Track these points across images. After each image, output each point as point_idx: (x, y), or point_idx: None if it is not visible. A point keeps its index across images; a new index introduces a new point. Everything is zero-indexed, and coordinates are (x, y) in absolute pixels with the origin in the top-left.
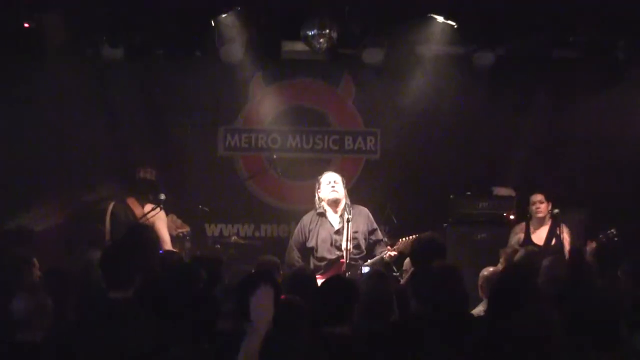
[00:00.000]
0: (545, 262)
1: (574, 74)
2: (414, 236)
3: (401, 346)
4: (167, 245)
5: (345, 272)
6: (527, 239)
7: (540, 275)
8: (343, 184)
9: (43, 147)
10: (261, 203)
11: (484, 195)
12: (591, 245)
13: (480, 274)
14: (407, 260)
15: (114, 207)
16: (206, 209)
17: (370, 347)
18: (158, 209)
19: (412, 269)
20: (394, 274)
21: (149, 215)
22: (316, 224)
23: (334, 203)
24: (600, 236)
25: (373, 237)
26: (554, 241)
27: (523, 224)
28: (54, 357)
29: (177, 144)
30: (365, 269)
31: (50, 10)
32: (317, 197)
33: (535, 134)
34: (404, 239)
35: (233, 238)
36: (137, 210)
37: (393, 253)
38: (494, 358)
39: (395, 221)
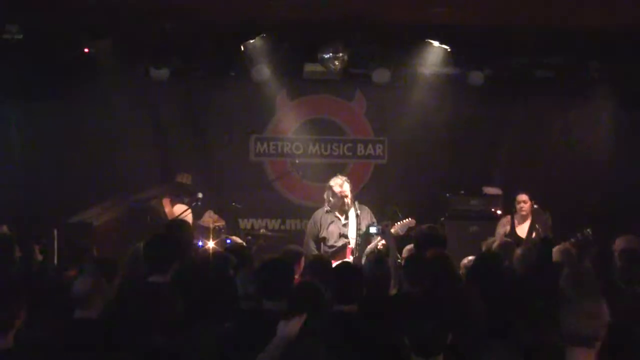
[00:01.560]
0: (519, 251)
1: (552, 91)
2: (404, 220)
3: (393, 320)
4: None
5: (351, 256)
6: (512, 231)
7: (514, 261)
8: (349, 186)
9: (100, 155)
10: (286, 201)
11: (475, 194)
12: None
13: (461, 263)
14: (406, 247)
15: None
16: (239, 205)
17: (370, 322)
18: (189, 210)
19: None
20: (398, 260)
21: (181, 216)
22: (326, 219)
23: (342, 201)
24: (578, 235)
25: (371, 229)
26: (534, 234)
27: (508, 217)
28: (106, 331)
29: (214, 150)
30: (373, 231)
31: (106, 37)
32: (326, 197)
33: (518, 141)
34: (398, 223)
35: (262, 231)
36: (167, 209)
37: (383, 242)
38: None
39: (400, 216)
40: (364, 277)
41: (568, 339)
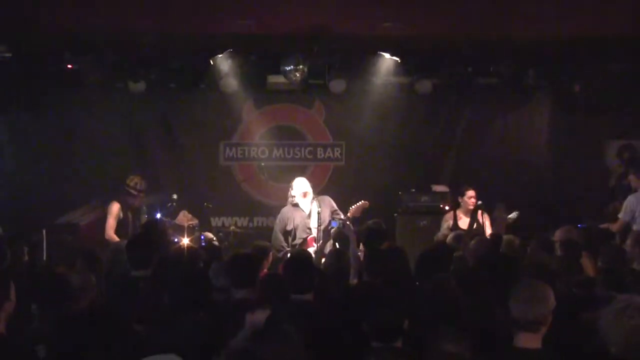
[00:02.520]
0: (472, 242)
1: (493, 97)
2: (358, 203)
3: (352, 309)
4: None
5: (315, 244)
6: (455, 225)
7: (465, 251)
8: (309, 186)
9: (84, 160)
10: (253, 200)
11: (424, 192)
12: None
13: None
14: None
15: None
16: (210, 205)
17: (327, 310)
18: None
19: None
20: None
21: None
22: (292, 213)
23: (304, 195)
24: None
25: (335, 215)
26: (475, 226)
27: (451, 213)
28: (96, 322)
29: (187, 155)
30: (334, 225)
31: (87, 54)
32: (290, 195)
33: (463, 143)
34: (353, 207)
35: (232, 228)
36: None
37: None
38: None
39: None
40: (316, 268)
41: (515, 324)
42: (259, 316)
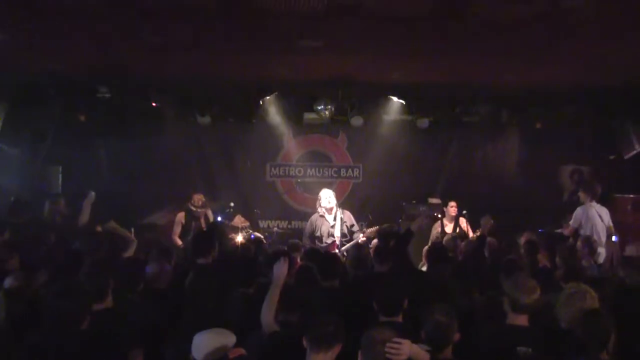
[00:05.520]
0: (464, 243)
1: (476, 132)
2: (375, 228)
3: (365, 291)
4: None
5: (337, 249)
6: (442, 231)
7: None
8: (334, 197)
9: (162, 177)
10: (291, 208)
11: (422, 202)
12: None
13: (424, 249)
14: (374, 242)
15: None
16: (259, 211)
17: (347, 292)
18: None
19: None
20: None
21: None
22: (319, 222)
23: (329, 211)
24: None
25: (353, 229)
26: (458, 230)
27: (439, 222)
28: (174, 297)
29: (242, 173)
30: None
31: (166, 94)
32: (318, 204)
33: (453, 166)
34: (369, 229)
35: (274, 229)
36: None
37: (364, 238)
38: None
39: (370, 218)
40: (342, 262)
41: (511, 306)
42: (281, 267)
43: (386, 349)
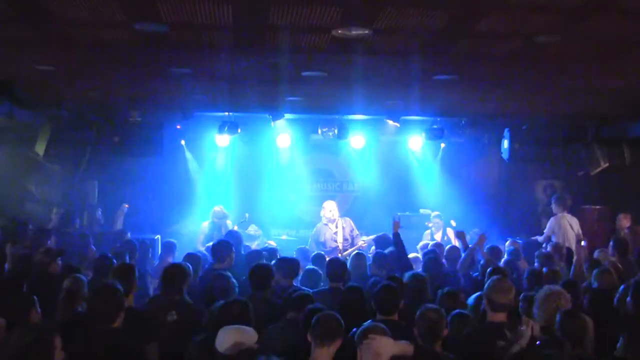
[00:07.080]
0: (447, 249)
1: (462, 150)
2: (372, 236)
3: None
4: None
5: (340, 253)
6: (432, 238)
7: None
8: (336, 207)
9: (185, 191)
10: (299, 218)
11: (415, 213)
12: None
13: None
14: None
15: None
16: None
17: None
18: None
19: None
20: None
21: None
22: (324, 229)
23: (332, 221)
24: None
25: (353, 234)
26: (445, 238)
27: (428, 231)
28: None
29: (257, 188)
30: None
31: (189, 118)
32: (322, 214)
33: (442, 181)
34: (365, 238)
35: (284, 236)
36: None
37: (364, 244)
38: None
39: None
40: (345, 267)
41: (490, 305)
42: None
43: (366, 342)
